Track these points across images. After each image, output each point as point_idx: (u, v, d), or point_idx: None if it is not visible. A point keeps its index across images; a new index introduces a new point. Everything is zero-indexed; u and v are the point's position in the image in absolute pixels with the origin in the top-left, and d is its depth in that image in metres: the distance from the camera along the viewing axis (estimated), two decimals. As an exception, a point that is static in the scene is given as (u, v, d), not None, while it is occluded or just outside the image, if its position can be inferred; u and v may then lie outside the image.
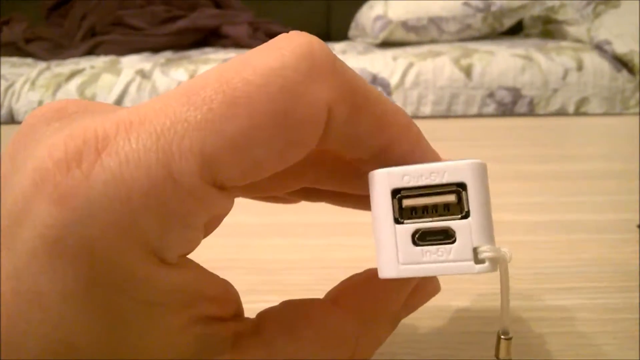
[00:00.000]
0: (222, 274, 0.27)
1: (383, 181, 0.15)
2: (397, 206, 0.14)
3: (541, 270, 0.26)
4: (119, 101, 1.25)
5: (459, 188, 0.14)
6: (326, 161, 0.18)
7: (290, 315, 0.15)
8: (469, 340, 0.21)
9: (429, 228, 0.14)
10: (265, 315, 0.15)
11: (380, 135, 0.15)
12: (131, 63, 1.38)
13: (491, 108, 1.21)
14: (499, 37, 1.51)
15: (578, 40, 1.41)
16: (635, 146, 0.46)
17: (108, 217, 0.11)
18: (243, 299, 0.25)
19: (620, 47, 1.24)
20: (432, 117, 1.17)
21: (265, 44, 0.14)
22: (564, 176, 0.39)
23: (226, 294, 0.15)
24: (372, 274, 0.16)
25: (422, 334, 0.22)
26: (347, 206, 0.20)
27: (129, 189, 0.11)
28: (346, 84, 0.14)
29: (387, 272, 0.14)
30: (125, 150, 0.11)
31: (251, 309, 0.24)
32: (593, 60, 1.24)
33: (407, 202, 0.14)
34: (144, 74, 1.28)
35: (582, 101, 1.21)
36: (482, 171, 0.14)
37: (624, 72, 1.22)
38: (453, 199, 0.14)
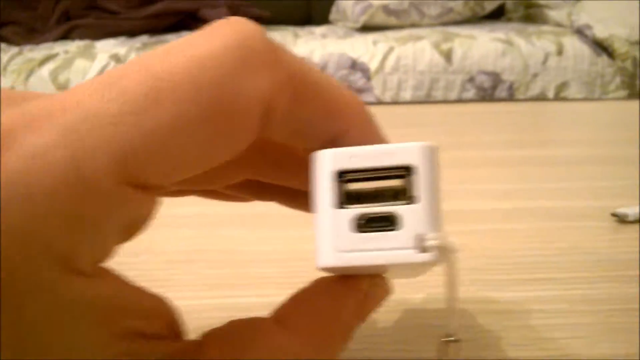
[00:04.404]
0: (189, 267, 0.26)
1: (327, 161, 0.14)
2: (340, 189, 0.14)
3: (517, 259, 0.25)
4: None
5: (407, 172, 0.13)
6: (268, 151, 0.17)
7: (236, 337, 0.14)
8: (428, 334, 0.20)
9: (372, 213, 0.13)
10: (210, 337, 0.14)
11: (330, 125, 0.14)
12: (106, 47, 1.35)
13: (471, 93, 1.21)
14: (481, 21, 1.50)
15: (559, 25, 1.41)
16: (614, 132, 0.45)
17: (5, 220, 0.10)
18: (211, 293, 0.24)
19: (601, 32, 1.24)
20: (412, 102, 1.17)
21: (197, 32, 0.13)
22: (543, 162, 0.39)
23: (158, 309, 0.14)
24: (318, 286, 0.16)
25: (379, 327, 0.21)
26: (300, 208, 0.19)
27: (30, 189, 0.10)
28: (288, 74, 0.13)
29: (323, 260, 0.14)
30: (29, 146, 0.10)
31: (220, 303, 0.23)
32: (573, 45, 1.24)
33: (351, 186, 0.14)
34: (119, 59, 1.26)
35: (562, 86, 1.22)
36: (433, 154, 0.14)
37: (604, 57, 1.23)
38: (400, 183, 0.13)
